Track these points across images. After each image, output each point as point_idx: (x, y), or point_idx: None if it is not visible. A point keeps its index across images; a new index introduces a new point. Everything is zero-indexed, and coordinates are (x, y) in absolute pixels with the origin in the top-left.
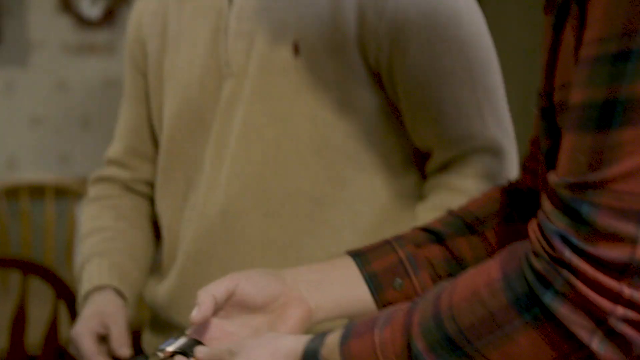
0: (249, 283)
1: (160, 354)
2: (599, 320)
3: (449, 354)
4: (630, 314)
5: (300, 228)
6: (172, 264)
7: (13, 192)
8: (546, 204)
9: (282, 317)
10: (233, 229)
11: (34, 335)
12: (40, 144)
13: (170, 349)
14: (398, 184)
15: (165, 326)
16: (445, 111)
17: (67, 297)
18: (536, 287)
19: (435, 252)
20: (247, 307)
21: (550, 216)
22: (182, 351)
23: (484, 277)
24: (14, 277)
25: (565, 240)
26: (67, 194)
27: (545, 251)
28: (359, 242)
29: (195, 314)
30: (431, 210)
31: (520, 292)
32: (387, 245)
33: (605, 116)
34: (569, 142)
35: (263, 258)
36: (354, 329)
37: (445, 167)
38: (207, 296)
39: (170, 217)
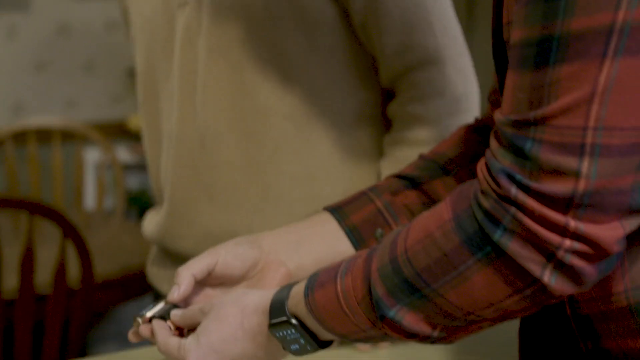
0: (228, 255)
1: (140, 320)
2: (548, 253)
3: (408, 297)
4: (578, 245)
5: (276, 145)
6: (162, 195)
7: (20, 137)
8: (493, 142)
9: (262, 282)
10: (212, 154)
11: (44, 276)
12: (45, 88)
13: (148, 314)
14: (367, 91)
15: (163, 257)
16: (390, 20)
17: (74, 237)
18: (486, 225)
19: (412, 197)
20: (228, 278)
21: (496, 154)
22: (160, 316)
23: (436, 219)
24: (23, 220)
25: (510, 178)
26: (74, 138)
27: (493, 189)
28: (339, 153)
29: (174, 294)
30: (394, 163)
31: (471, 231)
32: (363, 196)
33: (542, 54)
34: (511, 81)
35: (245, 178)
36: (318, 280)
37: (394, 94)
38: (187, 276)
39: (151, 149)
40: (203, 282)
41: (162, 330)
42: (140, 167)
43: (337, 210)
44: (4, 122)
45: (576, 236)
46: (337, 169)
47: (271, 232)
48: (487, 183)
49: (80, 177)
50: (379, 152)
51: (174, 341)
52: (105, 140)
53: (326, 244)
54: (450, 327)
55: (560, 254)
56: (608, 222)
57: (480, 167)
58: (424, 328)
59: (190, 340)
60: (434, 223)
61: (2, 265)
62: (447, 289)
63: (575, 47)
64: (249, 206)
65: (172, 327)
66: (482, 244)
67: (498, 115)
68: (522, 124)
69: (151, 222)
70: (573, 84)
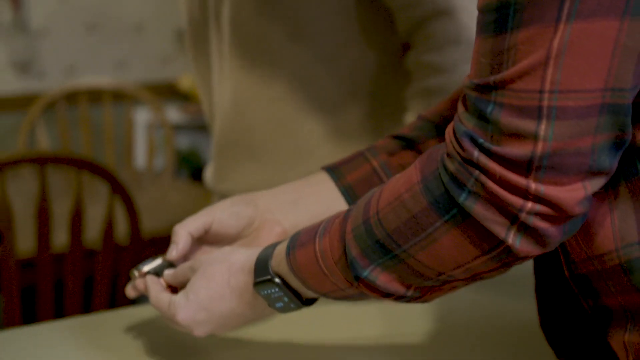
0: (223, 214)
1: (136, 273)
2: (512, 216)
3: (380, 257)
4: (539, 207)
5: (298, 107)
6: (213, 145)
7: (72, 98)
8: (460, 106)
9: (257, 241)
10: (245, 116)
11: (93, 232)
12: (96, 49)
13: (145, 269)
14: (384, 50)
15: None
16: None
17: (122, 193)
18: (451, 188)
19: (408, 158)
20: (225, 236)
21: (461, 117)
22: (155, 272)
23: (406, 181)
24: (68, 176)
25: (473, 141)
26: (125, 99)
27: (457, 152)
28: (363, 112)
29: (172, 253)
30: (421, 93)
31: (438, 194)
32: (360, 156)
33: (501, 20)
34: (475, 46)
35: (277, 138)
36: (298, 239)
37: (409, 45)
38: (183, 234)
39: (208, 113)
40: (201, 240)
41: (155, 285)
42: (190, 127)
43: (334, 170)
44: (56, 83)
45: (537, 198)
46: (362, 125)
47: (268, 191)
48: (453, 146)
49: (130, 137)
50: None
51: (165, 297)
52: (155, 101)
53: (322, 203)
54: (423, 286)
55: (523, 216)
56: (569, 183)
57: (448, 130)
58: (397, 287)
59: (179, 297)
60: (404, 185)
61: (52, 221)
62: (417, 250)
63: (531, 12)
64: (284, 163)
65: (165, 285)
66: (448, 206)
67: (465, 80)
68: (484, 88)
69: (207, 174)
70: (529, 48)
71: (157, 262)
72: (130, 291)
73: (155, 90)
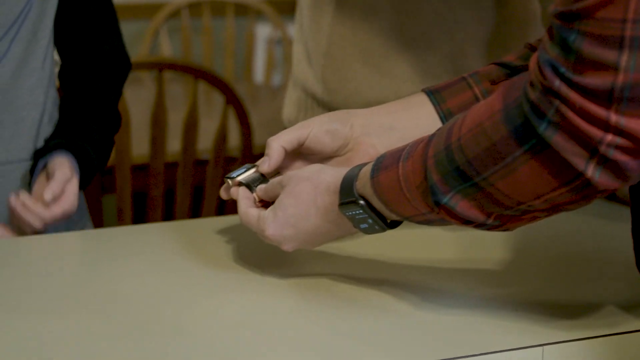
0: (319, 130)
1: (229, 181)
2: (592, 148)
3: (460, 184)
4: (620, 140)
5: (429, 23)
6: (319, 44)
7: (196, 8)
8: (545, 35)
9: (350, 162)
10: (370, 20)
11: (206, 142)
12: None
13: (238, 178)
14: None
15: (321, 102)
16: None
17: (236, 105)
18: (532, 117)
19: None
20: (319, 152)
21: (546, 46)
22: (247, 184)
23: (488, 108)
24: (184, 84)
25: (555, 69)
26: (247, 12)
27: (539, 81)
28: (486, 34)
29: (264, 166)
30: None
31: (518, 122)
32: (462, 81)
33: None
34: None
35: (398, 48)
36: (383, 162)
37: None
38: (277, 148)
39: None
40: (294, 153)
41: (245, 200)
42: None
43: (434, 93)
44: None
45: (618, 131)
46: (485, 47)
47: (365, 111)
48: (535, 75)
49: (250, 51)
50: (529, 31)
51: (253, 212)
52: (277, 16)
53: (419, 128)
54: (504, 215)
55: (603, 148)
56: None
57: (533, 58)
58: (477, 215)
59: (268, 212)
60: (486, 112)
61: (167, 129)
62: (496, 179)
63: None
64: (399, 73)
65: (257, 199)
66: (528, 136)
67: (550, 7)
68: (568, 16)
69: (307, 69)
70: None
71: (251, 172)
72: (223, 194)
73: (278, 5)
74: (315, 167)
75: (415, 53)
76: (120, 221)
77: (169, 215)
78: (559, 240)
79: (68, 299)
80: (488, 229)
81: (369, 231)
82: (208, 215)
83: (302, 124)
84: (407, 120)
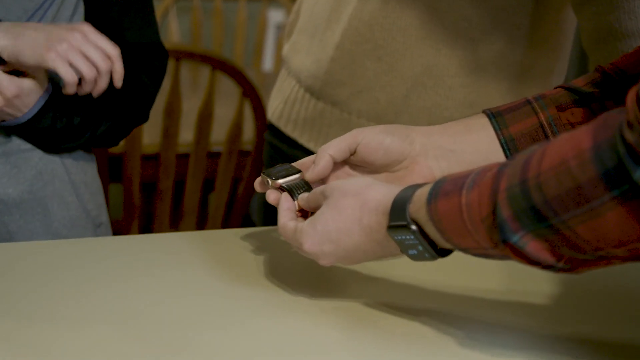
0: (373, 141)
1: (269, 181)
2: None
3: (534, 224)
4: None
5: (456, 27)
6: (331, 37)
7: None
8: None
9: (402, 180)
10: (392, 17)
11: (217, 134)
12: None
13: (280, 181)
14: None
15: (321, 96)
16: None
17: (253, 97)
18: (627, 161)
19: (579, 116)
20: (369, 164)
21: None
22: (289, 188)
23: (574, 146)
24: (203, 74)
25: None
26: None
27: (639, 122)
28: (510, 51)
29: (311, 173)
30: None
31: (610, 165)
32: (527, 105)
33: None
34: None
35: (416, 49)
36: (443, 188)
37: None
38: (325, 156)
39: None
40: (345, 161)
41: (287, 211)
42: None
43: (496, 117)
44: None
45: None
46: (506, 68)
47: (426, 130)
48: (635, 114)
49: (262, 37)
50: (558, 55)
51: (291, 224)
52: (289, 2)
53: (479, 153)
54: (576, 259)
55: None
56: None
57: (631, 95)
58: (547, 257)
59: (307, 225)
60: (572, 150)
61: (180, 119)
62: (577, 223)
63: None
64: (411, 76)
65: (297, 207)
66: (620, 180)
67: None
68: None
69: (307, 60)
70: None
71: (294, 177)
72: (258, 187)
73: None
74: (363, 181)
75: (433, 57)
76: (126, 212)
77: (177, 207)
78: (619, 272)
79: (79, 309)
80: (556, 272)
81: (417, 258)
82: (217, 209)
83: (355, 131)
84: (467, 144)
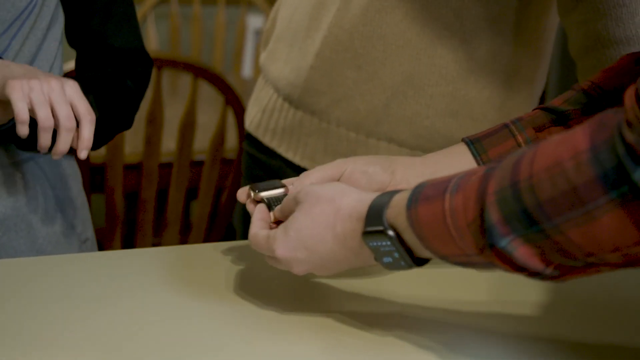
0: (356, 170)
1: (252, 193)
2: None
3: (524, 228)
4: None
5: (436, 35)
6: (311, 45)
7: None
8: None
9: None
10: (372, 25)
11: (200, 142)
12: None
13: (262, 194)
14: None
15: (300, 104)
16: None
17: (235, 105)
18: (626, 161)
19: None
20: None
21: None
22: (268, 203)
23: (570, 147)
24: (182, 81)
25: None
26: (239, 2)
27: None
28: (496, 60)
29: (290, 190)
30: (588, 42)
31: (609, 166)
32: (504, 129)
33: None
34: None
35: (396, 58)
36: (423, 192)
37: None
38: (306, 184)
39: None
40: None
41: (259, 221)
42: None
43: (474, 143)
44: None
45: None
46: (488, 76)
47: (408, 161)
48: (635, 114)
49: (241, 43)
50: (539, 64)
51: (263, 232)
52: (268, 7)
53: None
54: (565, 266)
55: None
56: None
57: (629, 94)
58: (536, 263)
59: (279, 231)
60: (567, 151)
61: (163, 128)
62: (570, 226)
63: None
64: (391, 85)
65: (273, 219)
66: (619, 182)
67: None
68: None
69: (286, 68)
70: None
71: (278, 191)
72: (241, 196)
73: None
74: (338, 187)
75: (413, 65)
76: (108, 222)
77: (160, 217)
78: (606, 282)
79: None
80: (541, 279)
81: (391, 266)
82: (200, 218)
83: (337, 162)
84: (447, 169)
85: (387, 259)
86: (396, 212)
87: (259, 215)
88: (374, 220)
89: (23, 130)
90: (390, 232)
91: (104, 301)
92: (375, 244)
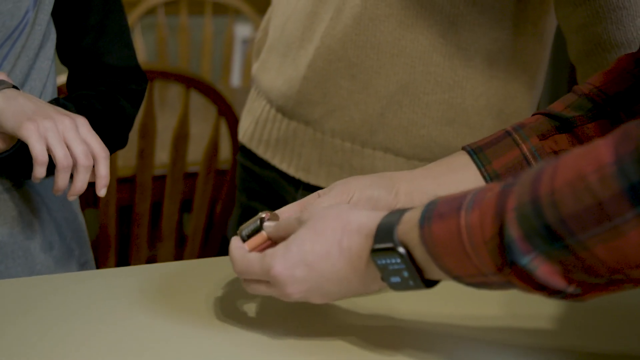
0: (361, 197)
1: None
2: None
3: (546, 244)
4: None
5: (431, 43)
6: (304, 56)
7: (173, 6)
8: None
9: None
10: (366, 34)
11: (195, 154)
12: None
13: (245, 232)
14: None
15: (293, 115)
16: None
17: (228, 115)
18: None
19: (563, 143)
20: None
21: None
22: (256, 228)
23: (593, 160)
24: (171, 92)
25: None
26: (226, 11)
27: None
28: (490, 68)
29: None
30: (588, 44)
31: (636, 179)
32: (507, 137)
33: None
34: None
35: (391, 67)
36: (437, 209)
37: None
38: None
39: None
40: None
41: (238, 249)
42: None
43: (477, 154)
44: None
45: None
46: (484, 84)
47: (408, 175)
48: None
49: (229, 52)
50: (537, 70)
51: (253, 255)
52: (257, 16)
53: None
54: (587, 283)
55: None
56: None
57: None
58: (558, 282)
59: (278, 247)
60: (590, 164)
61: (155, 140)
62: (595, 242)
63: None
64: (386, 94)
65: (264, 238)
66: None
67: None
68: None
69: (278, 80)
70: None
71: (254, 225)
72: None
73: (257, 4)
74: (344, 206)
75: (408, 74)
76: (102, 237)
77: (155, 231)
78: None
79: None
80: (562, 298)
81: (399, 286)
82: (195, 231)
83: (342, 188)
84: (452, 185)
85: (395, 279)
86: (407, 229)
87: (235, 244)
88: (384, 236)
89: (40, 172)
90: (401, 249)
91: (101, 321)
92: (384, 261)
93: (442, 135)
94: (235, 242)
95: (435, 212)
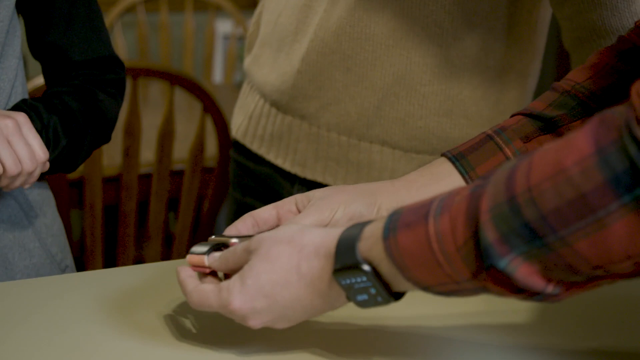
0: (344, 216)
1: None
2: None
3: (526, 244)
4: None
5: (427, 34)
6: (298, 49)
7: (153, 3)
8: None
9: None
10: (360, 25)
11: (180, 152)
12: None
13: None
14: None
15: (288, 110)
16: None
17: (213, 111)
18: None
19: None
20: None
21: None
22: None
23: (572, 152)
24: (154, 89)
25: None
26: (207, 7)
27: None
28: (486, 58)
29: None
30: (582, 32)
31: (620, 169)
32: (489, 142)
33: None
34: None
35: (387, 58)
36: (401, 219)
37: None
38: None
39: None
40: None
41: (189, 279)
42: None
43: (460, 160)
44: None
45: None
46: (481, 73)
47: (389, 187)
48: None
49: (210, 49)
50: (532, 58)
51: (208, 286)
52: (238, 12)
53: None
54: (567, 282)
55: None
56: None
57: (637, 90)
58: (537, 282)
59: (233, 281)
60: (569, 157)
61: (141, 139)
62: (578, 237)
63: None
64: (382, 86)
65: (206, 271)
66: (632, 184)
67: None
68: None
69: (272, 74)
70: None
71: (202, 249)
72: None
73: (238, 0)
74: (295, 227)
75: (404, 65)
76: (88, 237)
77: (142, 230)
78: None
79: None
80: (539, 300)
81: (366, 304)
82: (183, 229)
83: (323, 204)
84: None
85: (361, 297)
86: (370, 244)
87: (185, 274)
88: (346, 255)
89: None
90: (366, 267)
91: (87, 323)
92: (348, 281)
93: (440, 126)
94: (184, 272)
95: (401, 222)
